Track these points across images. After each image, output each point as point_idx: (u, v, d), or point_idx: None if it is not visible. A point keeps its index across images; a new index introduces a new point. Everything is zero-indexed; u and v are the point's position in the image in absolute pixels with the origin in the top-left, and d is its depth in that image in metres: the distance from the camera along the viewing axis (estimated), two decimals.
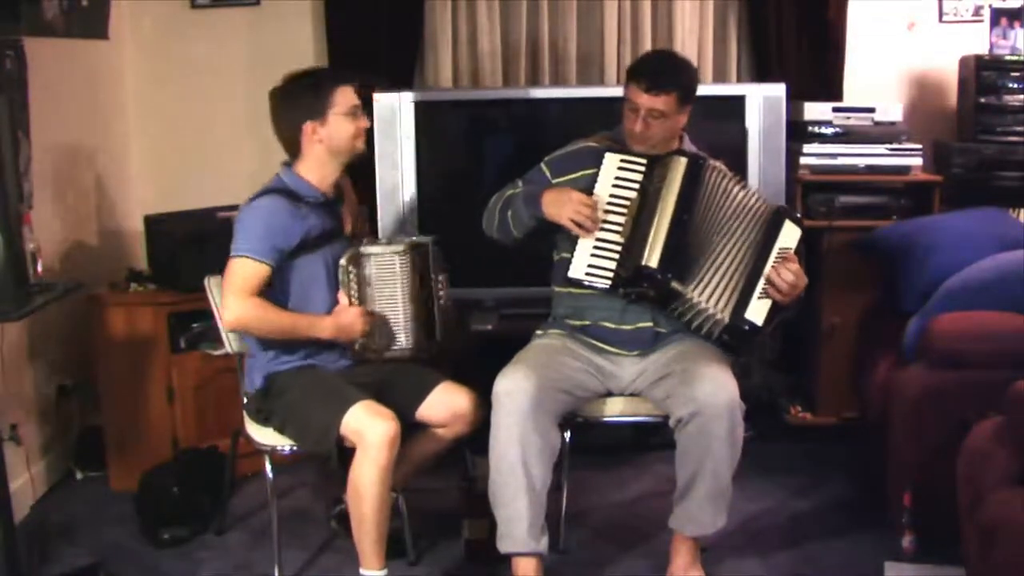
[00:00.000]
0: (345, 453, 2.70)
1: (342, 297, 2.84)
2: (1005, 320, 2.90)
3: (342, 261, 2.83)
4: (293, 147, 2.84)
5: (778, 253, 2.78)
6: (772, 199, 3.59)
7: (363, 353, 2.87)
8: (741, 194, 2.86)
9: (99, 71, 4.07)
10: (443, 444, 2.94)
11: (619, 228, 2.84)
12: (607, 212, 2.85)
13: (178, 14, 4.23)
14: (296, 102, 2.80)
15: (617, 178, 2.87)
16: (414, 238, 3.01)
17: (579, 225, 2.81)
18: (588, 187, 2.87)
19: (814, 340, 3.89)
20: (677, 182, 2.80)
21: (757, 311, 2.77)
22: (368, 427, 2.63)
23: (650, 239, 2.77)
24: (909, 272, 3.30)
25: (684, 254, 2.79)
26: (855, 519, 3.26)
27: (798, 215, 2.90)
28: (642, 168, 2.86)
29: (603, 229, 2.84)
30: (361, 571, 2.72)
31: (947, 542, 2.66)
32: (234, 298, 2.72)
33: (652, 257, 2.76)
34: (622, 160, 2.88)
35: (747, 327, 2.77)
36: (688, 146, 2.98)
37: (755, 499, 3.39)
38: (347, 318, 2.82)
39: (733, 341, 2.85)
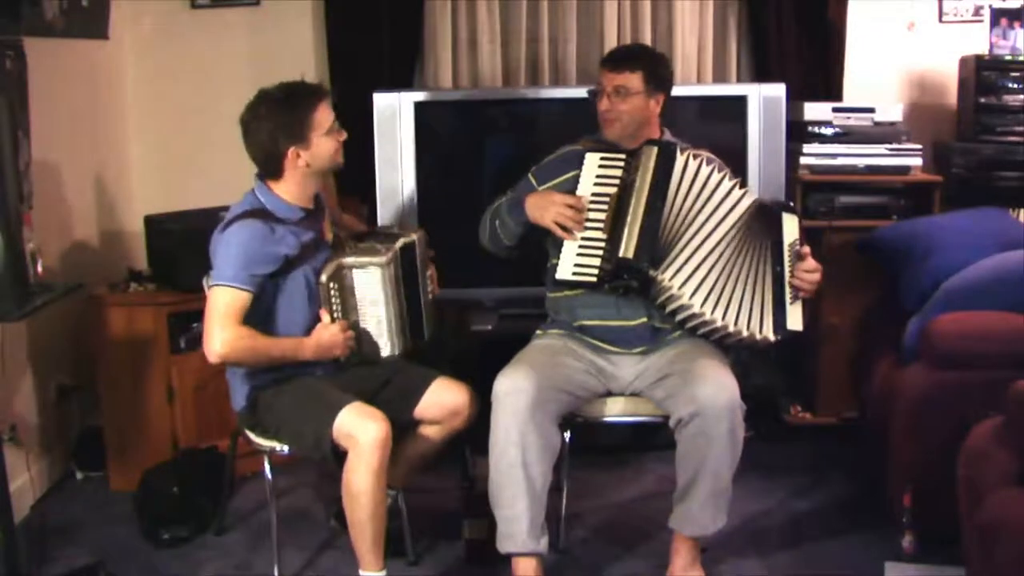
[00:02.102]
0: (341, 455, 2.69)
1: (324, 315, 2.76)
2: (1005, 320, 2.90)
3: (323, 278, 2.74)
4: (272, 169, 2.76)
5: (789, 250, 2.82)
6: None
7: (347, 364, 2.83)
8: (724, 181, 2.86)
9: (99, 71, 4.07)
10: (440, 441, 2.94)
11: (601, 225, 2.85)
12: (591, 211, 2.86)
13: (178, 14, 4.23)
14: (276, 127, 2.70)
15: (598, 176, 2.89)
16: (402, 238, 2.91)
17: (563, 227, 2.83)
18: (572, 190, 2.91)
19: (814, 340, 3.89)
20: (650, 170, 2.82)
21: (795, 318, 2.84)
22: (359, 430, 2.61)
23: (626, 231, 2.78)
24: (909, 272, 3.30)
25: (661, 241, 2.79)
26: (855, 519, 3.26)
27: (789, 203, 2.92)
28: (621, 163, 2.88)
29: (587, 228, 2.85)
30: (361, 573, 2.72)
31: (947, 542, 2.66)
32: (219, 329, 2.62)
33: (629, 248, 2.77)
34: (602, 158, 2.91)
35: (792, 336, 2.84)
36: (668, 137, 2.99)
37: (755, 499, 3.39)
38: (327, 337, 2.74)
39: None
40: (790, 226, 2.85)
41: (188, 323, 3.54)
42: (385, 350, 2.85)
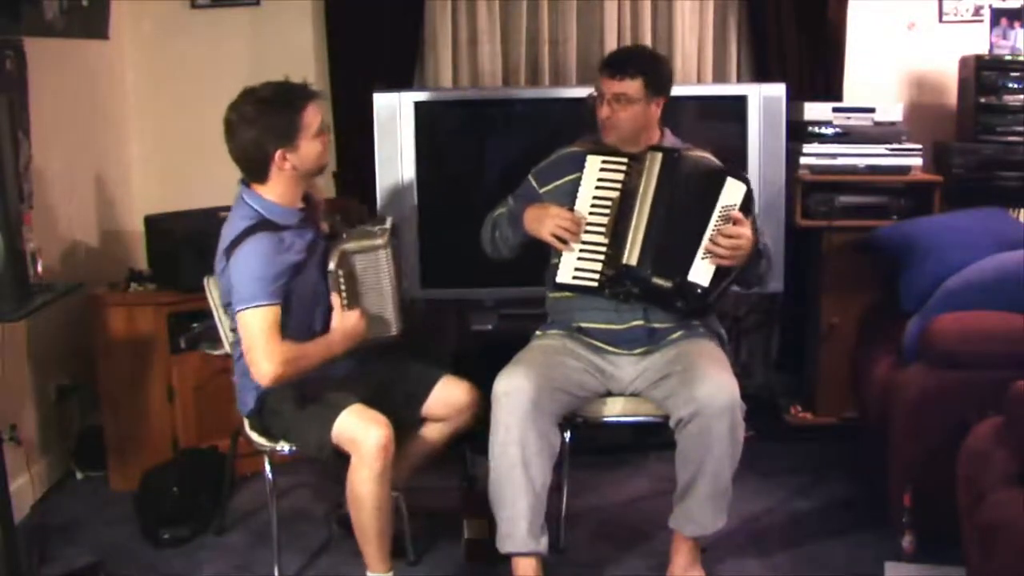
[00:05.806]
0: (344, 457, 2.68)
1: (335, 300, 2.74)
2: (1005, 320, 2.90)
3: (331, 266, 2.72)
4: (256, 172, 2.69)
5: (721, 212, 2.77)
6: (772, 199, 3.61)
7: (361, 350, 2.84)
8: None
9: (99, 71, 4.07)
10: (444, 438, 2.95)
11: (603, 229, 2.85)
12: (591, 214, 2.87)
13: (178, 14, 4.23)
14: (264, 128, 2.63)
15: (600, 180, 2.89)
16: (385, 224, 2.91)
17: (560, 239, 2.85)
18: (573, 192, 2.91)
19: (814, 340, 3.89)
20: (655, 178, 2.82)
21: (700, 273, 2.77)
22: (360, 434, 2.61)
23: (630, 237, 2.79)
24: (909, 272, 3.29)
25: (665, 248, 2.79)
26: (855, 519, 3.26)
27: (744, 173, 2.88)
28: (623, 167, 2.88)
29: (587, 232, 2.86)
30: (368, 575, 2.72)
31: (947, 542, 2.66)
32: (264, 353, 2.59)
33: (632, 255, 2.79)
34: (604, 161, 2.91)
35: (699, 291, 2.78)
36: (669, 140, 2.99)
37: (755, 499, 3.39)
38: (350, 325, 2.74)
39: (688, 305, 2.84)
40: (731, 190, 2.78)
41: (188, 323, 3.55)
42: (392, 328, 2.87)
